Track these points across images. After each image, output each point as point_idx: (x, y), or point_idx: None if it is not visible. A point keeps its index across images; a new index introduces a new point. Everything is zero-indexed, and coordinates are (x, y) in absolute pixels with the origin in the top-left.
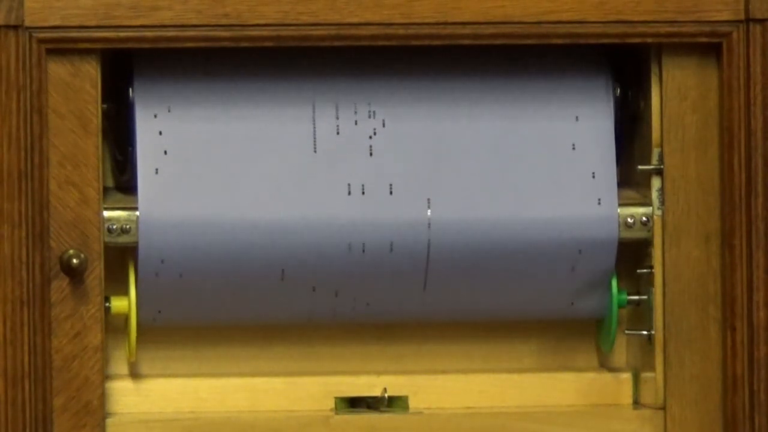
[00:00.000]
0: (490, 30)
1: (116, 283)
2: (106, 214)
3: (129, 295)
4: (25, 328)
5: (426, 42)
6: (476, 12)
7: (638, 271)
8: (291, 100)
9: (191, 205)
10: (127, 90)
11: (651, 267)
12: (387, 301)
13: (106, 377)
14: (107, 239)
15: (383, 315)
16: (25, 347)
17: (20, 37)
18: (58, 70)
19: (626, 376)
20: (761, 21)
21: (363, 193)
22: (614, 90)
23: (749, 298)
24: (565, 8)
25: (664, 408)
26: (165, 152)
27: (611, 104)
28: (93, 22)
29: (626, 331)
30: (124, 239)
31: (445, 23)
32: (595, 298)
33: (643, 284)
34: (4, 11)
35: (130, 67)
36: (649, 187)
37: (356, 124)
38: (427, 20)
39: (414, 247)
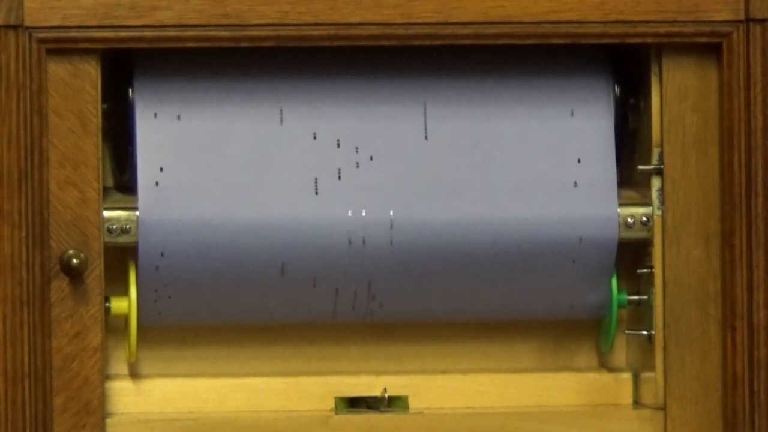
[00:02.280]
0: (490, 30)
1: (116, 283)
2: (106, 214)
3: (129, 296)
4: (25, 328)
5: (426, 42)
6: (476, 12)
7: (638, 271)
8: (290, 100)
9: (191, 205)
10: (127, 90)
11: (651, 267)
12: (387, 301)
13: (106, 377)
14: (107, 239)
15: (383, 315)
16: (25, 347)
17: (20, 37)
18: (58, 70)
19: (626, 376)
20: (761, 21)
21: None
22: (614, 90)
23: (749, 298)
24: (566, 8)
25: (664, 408)
26: (165, 152)
27: (611, 104)
28: (93, 22)
29: (626, 331)
30: (124, 239)
31: (445, 23)
32: (595, 298)
33: (643, 284)
34: (4, 11)
35: (130, 67)
36: (649, 187)
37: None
38: (427, 20)
39: (414, 247)
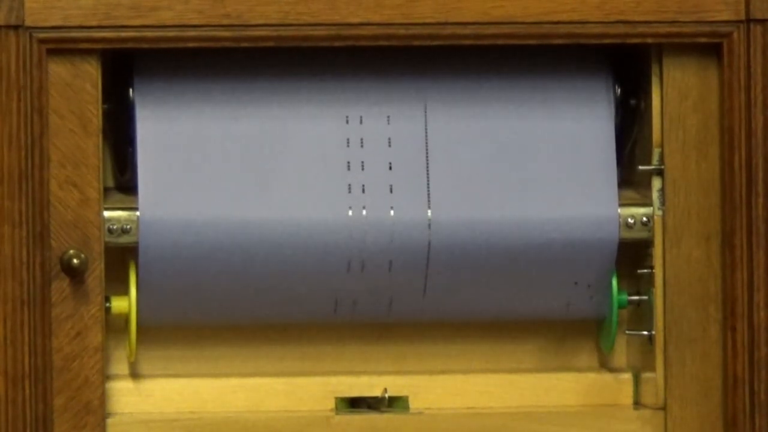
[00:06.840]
0: (491, 30)
1: (116, 283)
2: (107, 214)
3: (129, 295)
4: (26, 328)
5: (426, 42)
6: (477, 12)
7: (638, 271)
8: (291, 100)
9: (191, 205)
10: (128, 90)
11: (651, 267)
12: (387, 301)
13: (106, 377)
14: (108, 239)
15: (383, 315)
16: (26, 347)
17: (21, 37)
18: (58, 70)
19: (627, 377)
20: (762, 21)
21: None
22: (614, 90)
23: (750, 298)
24: (566, 8)
25: (664, 408)
26: (165, 152)
27: (611, 104)
28: (93, 22)
29: (627, 332)
30: (124, 239)
31: (446, 23)
32: (596, 299)
33: (644, 284)
34: (5, 11)
35: (130, 67)
36: (649, 187)
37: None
38: (427, 20)
39: (414, 247)
